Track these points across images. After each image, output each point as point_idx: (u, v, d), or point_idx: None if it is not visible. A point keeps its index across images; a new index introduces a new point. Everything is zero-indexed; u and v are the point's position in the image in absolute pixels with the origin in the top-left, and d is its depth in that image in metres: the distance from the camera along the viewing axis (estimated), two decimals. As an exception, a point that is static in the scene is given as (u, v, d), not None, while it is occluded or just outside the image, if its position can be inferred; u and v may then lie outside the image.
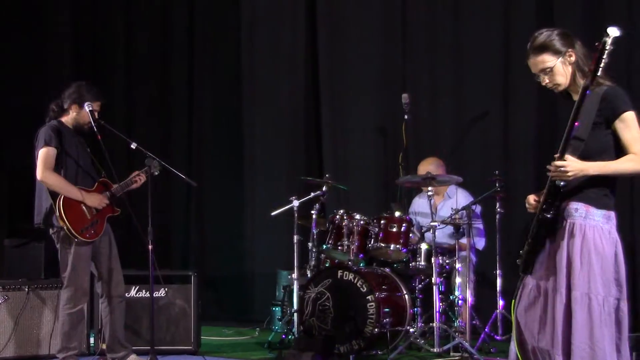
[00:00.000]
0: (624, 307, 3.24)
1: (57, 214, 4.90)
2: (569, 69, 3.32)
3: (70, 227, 4.90)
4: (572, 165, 3.15)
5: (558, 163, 3.11)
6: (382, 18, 7.47)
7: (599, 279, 3.20)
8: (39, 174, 4.94)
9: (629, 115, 3.21)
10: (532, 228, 3.35)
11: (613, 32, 2.98)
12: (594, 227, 3.24)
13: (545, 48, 3.32)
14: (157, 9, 8.62)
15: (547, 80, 3.34)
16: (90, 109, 5.16)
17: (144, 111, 8.57)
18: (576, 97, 3.33)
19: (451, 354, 5.45)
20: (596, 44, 3.00)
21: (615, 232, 3.29)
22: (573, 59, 3.31)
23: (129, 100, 8.56)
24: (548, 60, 3.31)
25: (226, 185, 8.22)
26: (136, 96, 8.59)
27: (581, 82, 3.29)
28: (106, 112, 5.35)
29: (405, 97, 6.61)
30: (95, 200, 5.08)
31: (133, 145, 5.27)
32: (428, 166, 6.29)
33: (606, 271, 3.22)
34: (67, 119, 5.18)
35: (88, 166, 5.18)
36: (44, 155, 4.95)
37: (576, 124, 3.13)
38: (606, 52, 3.01)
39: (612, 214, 3.30)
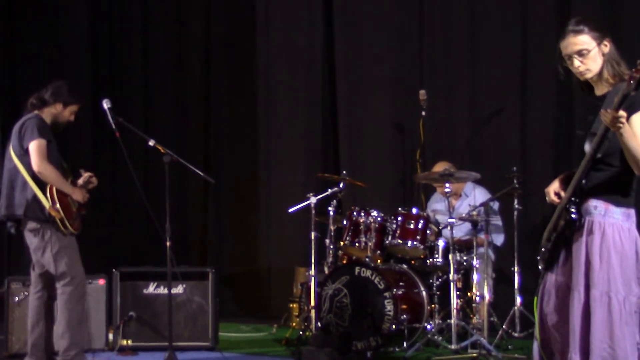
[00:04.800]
0: None
1: (52, 204, 4.78)
2: (601, 59, 3.28)
3: (64, 217, 4.82)
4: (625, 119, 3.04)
5: (620, 113, 2.99)
6: (399, 14, 7.45)
7: (619, 278, 3.17)
8: (37, 165, 4.79)
9: None
10: (557, 226, 3.33)
11: None
12: (613, 225, 3.22)
13: (586, 30, 3.28)
14: (173, 4, 8.65)
15: (580, 64, 3.28)
16: (109, 106, 5.18)
17: (160, 109, 8.61)
18: (599, 91, 3.33)
19: (469, 350, 5.43)
20: None
21: (635, 230, 3.26)
22: (607, 49, 3.29)
23: (146, 99, 8.61)
24: (587, 42, 3.27)
25: (243, 182, 8.24)
26: (153, 94, 8.63)
27: (607, 76, 3.27)
28: (123, 109, 5.36)
29: (422, 93, 6.60)
30: (79, 194, 5.01)
31: (151, 143, 5.27)
32: (439, 169, 6.26)
33: (626, 269, 3.19)
34: (46, 114, 5.04)
35: (59, 161, 5.05)
36: (39, 146, 4.82)
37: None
38: None
39: (632, 211, 3.27)
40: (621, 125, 3.00)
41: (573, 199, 3.26)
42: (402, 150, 7.34)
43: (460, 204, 6.41)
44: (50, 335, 5.01)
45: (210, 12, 8.50)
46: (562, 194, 3.36)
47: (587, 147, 3.20)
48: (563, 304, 3.32)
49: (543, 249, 3.41)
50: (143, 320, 5.86)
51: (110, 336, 5.87)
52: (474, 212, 5.76)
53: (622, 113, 2.98)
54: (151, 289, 5.91)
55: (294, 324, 6.70)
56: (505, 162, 6.50)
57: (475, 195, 6.24)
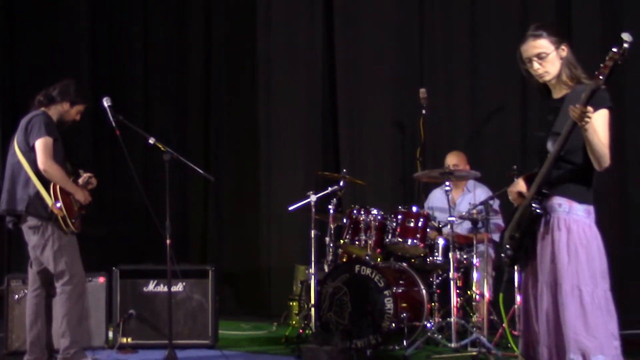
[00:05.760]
0: (610, 296, 3.30)
1: (54, 202, 4.78)
2: (559, 62, 3.40)
3: (67, 216, 4.83)
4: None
5: (588, 108, 3.10)
6: (399, 14, 7.47)
7: (586, 272, 3.27)
8: (43, 162, 4.78)
9: (604, 112, 3.29)
10: (520, 224, 3.42)
11: (628, 37, 3.03)
12: (577, 222, 3.32)
13: (545, 35, 3.41)
14: (173, 4, 8.66)
15: (539, 66, 3.40)
16: (109, 104, 5.18)
17: (160, 109, 8.62)
18: (557, 94, 3.46)
19: (469, 349, 5.43)
20: (614, 49, 3.03)
21: (594, 226, 3.36)
22: (565, 53, 3.41)
23: (146, 99, 8.61)
24: (546, 46, 3.39)
25: (243, 180, 8.25)
26: (153, 94, 8.63)
27: (565, 79, 3.39)
28: (123, 109, 5.36)
29: (422, 91, 6.61)
30: (82, 194, 5.01)
31: (151, 141, 5.27)
32: (453, 158, 6.31)
33: (592, 264, 3.29)
34: (53, 112, 5.04)
35: (64, 160, 5.05)
36: (45, 144, 4.82)
37: None
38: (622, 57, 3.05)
39: (592, 208, 3.38)
40: (588, 120, 3.12)
41: (536, 196, 3.35)
42: (402, 149, 7.35)
43: (462, 199, 6.41)
44: (50, 333, 5.02)
45: (211, 12, 8.51)
46: (526, 192, 3.43)
47: (550, 146, 3.32)
48: (537, 300, 3.39)
49: (507, 246, 3.49)
50: (143, 318, 5.86)
51: (110, 334, 5.88)
52: (474, 211, 5.77)
53: (589, 108, 3.10)
54: (151, 286, 5.91)
55: (294, 322, 6.69)
56: (505, 160, 6.51)
57: (476, 193, 6.25)
